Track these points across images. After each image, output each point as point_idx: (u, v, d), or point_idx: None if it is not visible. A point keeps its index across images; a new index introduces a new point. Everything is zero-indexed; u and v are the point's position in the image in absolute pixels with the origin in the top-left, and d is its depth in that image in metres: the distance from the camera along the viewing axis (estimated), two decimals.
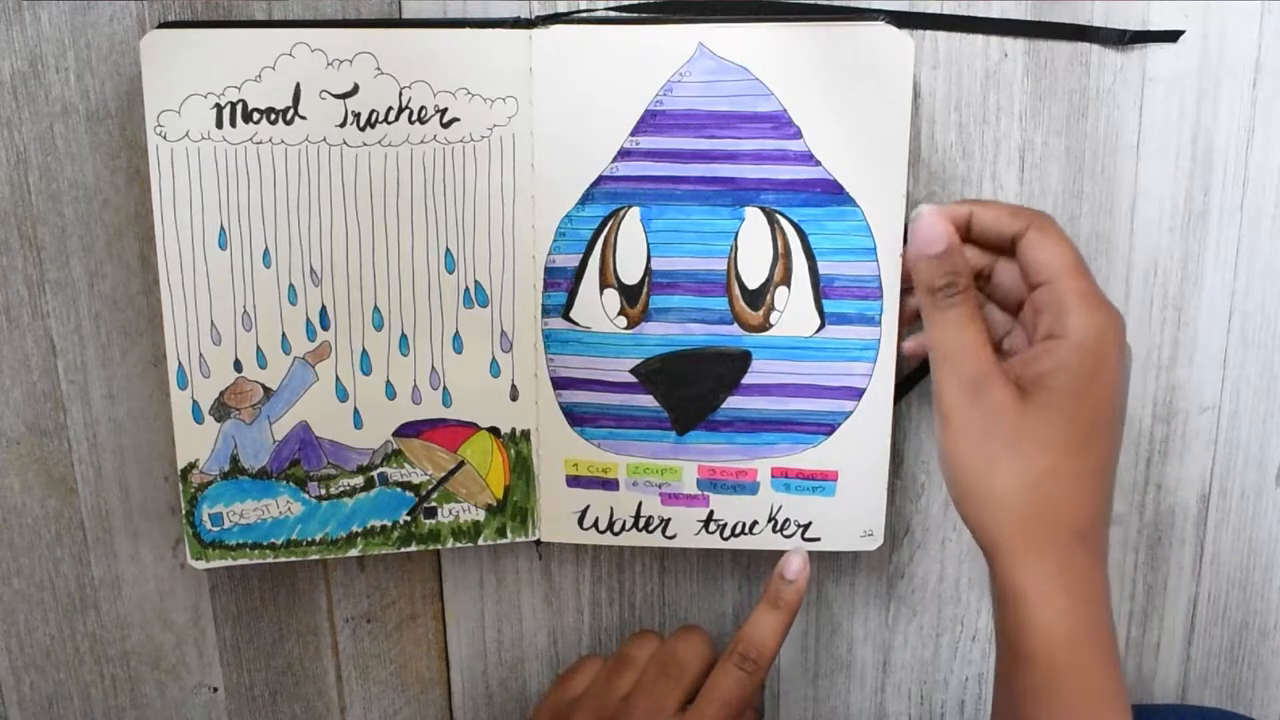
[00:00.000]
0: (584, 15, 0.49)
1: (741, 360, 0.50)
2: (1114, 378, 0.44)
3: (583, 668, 0.53)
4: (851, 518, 0.51)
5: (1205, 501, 0.56)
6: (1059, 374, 0.43)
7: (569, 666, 0.54)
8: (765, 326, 0.49)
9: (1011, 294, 0.48)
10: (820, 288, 0.49)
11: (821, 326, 0.49)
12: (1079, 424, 0.43)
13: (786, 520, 0.51)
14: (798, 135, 0.47)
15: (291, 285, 0.49)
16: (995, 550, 0.44)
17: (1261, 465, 0.55)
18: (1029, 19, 0.50)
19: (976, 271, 0.48)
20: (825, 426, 0.50)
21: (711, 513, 0.52)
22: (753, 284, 0.49)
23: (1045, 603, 0.43)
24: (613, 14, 0.49)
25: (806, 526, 0.51)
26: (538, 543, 0.53)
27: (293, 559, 0.51)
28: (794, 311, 0.49)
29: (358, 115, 0.47)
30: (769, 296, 0.49)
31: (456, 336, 0.50)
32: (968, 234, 0.47)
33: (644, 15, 0.48)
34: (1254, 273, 0.53)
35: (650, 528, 0.52)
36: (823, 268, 0.49)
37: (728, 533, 0.52)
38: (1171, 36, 0.50)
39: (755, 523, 0.51)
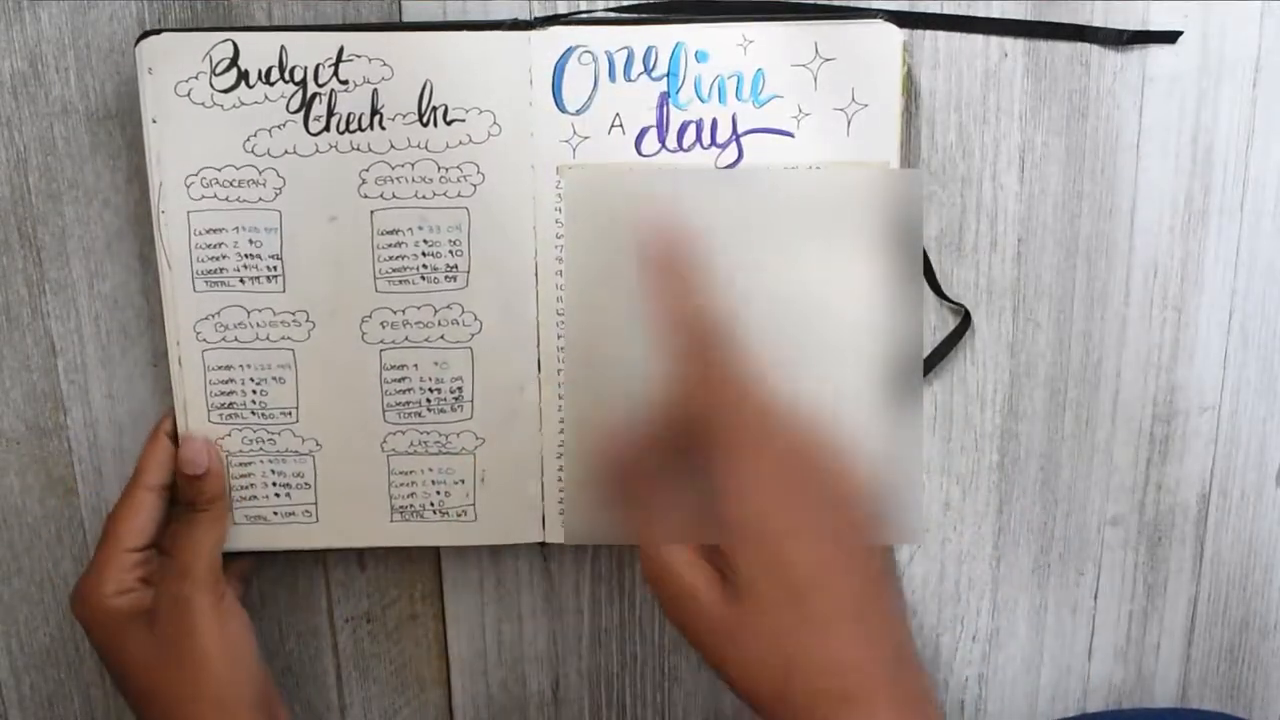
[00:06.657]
0: (584, 16, 0.49)
1: None
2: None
3: None
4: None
5: (1205, 501, 0.56)
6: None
7: None
8: None
9: None
10: None
11: None
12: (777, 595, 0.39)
13: None
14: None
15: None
16: None
17: (1261, 465, 0.55)
18: (1029, 19, 0.50)
19: None
20: None
21: None
22: None
23: None
24: (612, 14, 0.49)
25: None
26: (543, 544, 0.53)
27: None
28: None
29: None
30: None
31: None
32: None
33: (644, 15, 0.48)
34: (1254, 273, 0.53)
35: None
36: None
37: None
38: (1171, 37, 0.50)
39: None
